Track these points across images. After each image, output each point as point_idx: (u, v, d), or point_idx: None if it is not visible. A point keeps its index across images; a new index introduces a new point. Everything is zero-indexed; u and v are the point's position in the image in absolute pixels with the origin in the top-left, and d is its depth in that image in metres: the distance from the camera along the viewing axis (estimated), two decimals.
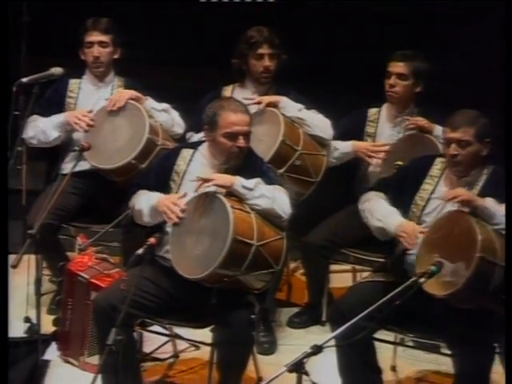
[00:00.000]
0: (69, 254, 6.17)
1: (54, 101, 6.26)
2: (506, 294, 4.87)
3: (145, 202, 5.37)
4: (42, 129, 6.18)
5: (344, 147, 6.22)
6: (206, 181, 5.22)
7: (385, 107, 6.30)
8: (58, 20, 6.41)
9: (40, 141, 6.20)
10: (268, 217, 5.24)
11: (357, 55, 7.49)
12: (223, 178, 5.25)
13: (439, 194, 5.36)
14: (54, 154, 6.33)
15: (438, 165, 5.46)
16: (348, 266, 6.47)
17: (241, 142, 5.28)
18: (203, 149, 5.47)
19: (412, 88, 6.16)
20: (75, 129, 6.14)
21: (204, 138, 5.49)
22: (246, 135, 5.32)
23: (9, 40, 5.37)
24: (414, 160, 5.64)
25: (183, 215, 5.22)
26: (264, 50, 6.21)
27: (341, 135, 6.25)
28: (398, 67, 6.14)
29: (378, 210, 5.40)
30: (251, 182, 5.24)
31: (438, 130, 5.88)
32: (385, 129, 6.27)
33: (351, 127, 6.32)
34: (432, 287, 5.00)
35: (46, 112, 6.20)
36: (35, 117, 6.13)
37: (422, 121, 6.04)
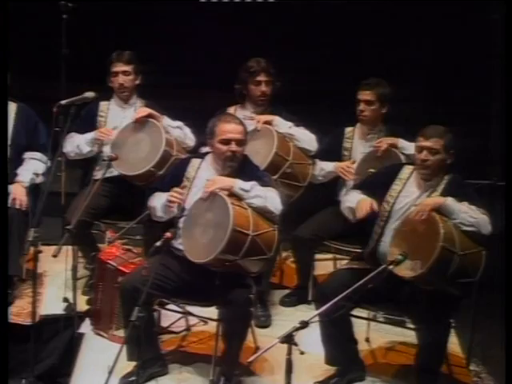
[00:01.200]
0: (100, 245, 6.18)
1: (87, 119, 6.26)
2: (506, 294, 4.83)
3: (158, 200, 5.41)
4: (77, 144, 6.18)
5: (328, 167, 6.21)
6: (211, 185, 5.24)
7: (358, 126, 6.27)
8: (91, 53, 6.42)
9: (76, 154, 6.21)
10: (262, 212, 5.25)
11: (334, 82, 7.46)
12: (224, 180, 5.27)
13: (407, 193, 5.39)
14: (87, 162, 6.32)
15: (405, 170, 5.48)
16: (330, 256, 6.46)
17: (233, 147, 5.30)
18: (208, 158, 5.49)
19: (378, 110, 6.14)
20: (101, 141, 6.16)
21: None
22: (239, 141, 5.33)
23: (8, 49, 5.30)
24: (386, 167, 5.70)
25: (184, 197, 5.27)
26: (261, 77, 6.22)
27: (324, 150, 6.24)
28: (365, 95, 6.11)
29: (350, 197, 5.47)
30: (248, 185, 5.25)
31: (401, 142, 5.93)
32: (358, 144, 6.23)
33: (332, 143, 6.29)
34: (401, 271, 5.02)
35: (82, 129, 6.19)
36: (72, 134, 6.11)
37: (387, 141, 6.02)
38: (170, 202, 5.30)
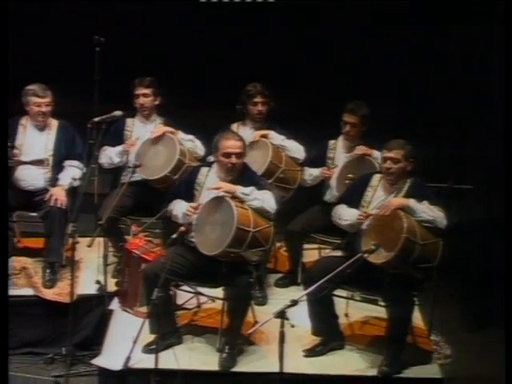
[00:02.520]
0: (126, 237, 6.13)
1: (116, 133, 6.22)
2: (506, 294, 4.62)
3: (179, 209, 5.38)
4: (109, 156, 6.15)
5: (315, 173, 6.17)
6: (217, 188, 5.25)
7: (340, 139, 6.21)
8: (119, 80, 6.41)
9: (109, 164, 6.17)
10: (260, 212, 5.25)
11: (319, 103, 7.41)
12: (228, 185, 5.26)
13: (377, 197, 5.39)
14: (116, 169, 6.27)
15: (375, 178, 5.49)
16: (315, 246, 6.39)
17: (233, 160, 5.29)
18: (214, 166, 5.48)
19: (360, 129, 6.08)
20: (128, 151, 6.14)
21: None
22: (238, 155, 5.31)
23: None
24: (360, 176, 5.66)
25: (197, 212, 5.23)
26: (258, 99, 6.20)
27: (311, 159, 6.22)
28: (350, 118, 6.05)
29: (345, 214, 5.42)
30: (248, 190, 5.25)
31: (376, 153, 5.86)
32: (340, 155, 6.18)
33: (318, 153, 6.24)
34: (373, 258, 5.05)
35: (112, 141, 6.16)
36: (105, 147, 6.09)
37: (364, 150, 5.99)
38: (187, 214, 5.28)
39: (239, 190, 5.25)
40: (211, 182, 5.39)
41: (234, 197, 5.22)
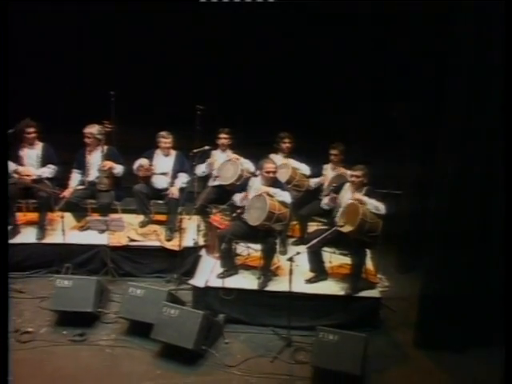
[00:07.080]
0: (210, 215, 5.98)
1: (205, 159, 6.24)
2: (506, 294, 3.88)
3: (237, 197, 5.49)
4: (201, 170, 6.11)
5: (316, 180, 6.19)
6: (260, 190, 5.39)
7: (329, 164, 6.13)
8: (208, 129, 6.50)
9: (200, 174, 6.10)
10: (282, 203, 5.27)
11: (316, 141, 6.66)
12: (265, 189, 5.35)
13: (347, 196, 5.45)
14: (205, 178, 6.18)
15: (346, 185, 5.54)
16: (314, 223, 6.23)
17: (270, 175, 5.35)
18: (258, 177, 5.50)
19: (340, 157, 6.10)
20: (212, 168, 6.07)
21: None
22: (273, 172, 5.35)
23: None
24: (338, 184, 5.70)
25: (246, 200, 5.28)
26: (286, 141, 6.12)
27: (314, 174, 6.21)
28: (334, 151, 6.01)
29: (326, 200, 5.53)
30: (276, 190, 5.32)
31: (348, 172, 5.81)
32: (329, 173, 6.16)
33: (316, 172, 6.22)
34: (343, 229, 5.10)
35: (203, 163, 6.18)
36: (200, 166, 6.06)
37: (342, 171, 6.01)
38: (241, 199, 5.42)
39: (271, 190, 5.30)
40: (256, 186, 5.42)
41: (268, 194, 5.26)
